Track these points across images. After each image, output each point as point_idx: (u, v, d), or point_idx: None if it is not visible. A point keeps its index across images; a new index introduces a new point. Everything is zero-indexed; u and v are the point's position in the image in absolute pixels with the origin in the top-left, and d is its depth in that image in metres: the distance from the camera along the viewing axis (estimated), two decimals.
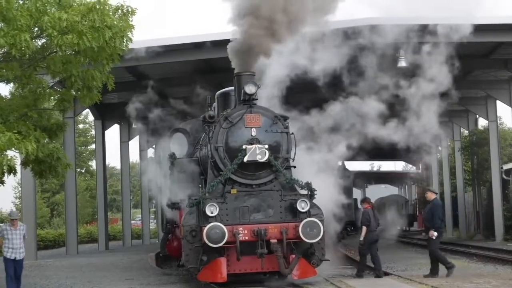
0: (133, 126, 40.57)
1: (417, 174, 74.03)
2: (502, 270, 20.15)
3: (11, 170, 15.32)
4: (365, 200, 19.81)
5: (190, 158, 19.61)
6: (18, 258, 16.02)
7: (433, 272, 18.27)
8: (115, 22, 14.42)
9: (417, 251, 31.80)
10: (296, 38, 18.38)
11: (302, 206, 16.89)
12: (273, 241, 16.41)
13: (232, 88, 18.37)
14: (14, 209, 17.28)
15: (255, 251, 16.33)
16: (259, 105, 17.62)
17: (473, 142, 43.26)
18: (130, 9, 15.25)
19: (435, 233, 18.35)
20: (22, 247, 16.09)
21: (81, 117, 65.73)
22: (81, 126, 67.49)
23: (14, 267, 16.06)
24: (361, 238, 18.95)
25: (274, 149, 17.13)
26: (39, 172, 17.08)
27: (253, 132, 17.05)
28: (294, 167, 17.81)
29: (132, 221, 50.43)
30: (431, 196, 19.03)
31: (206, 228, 16.06)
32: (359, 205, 19.16)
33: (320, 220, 16.66)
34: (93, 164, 65.42)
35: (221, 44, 26.17)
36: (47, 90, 16.39)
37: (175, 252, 20.66)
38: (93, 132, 56.42)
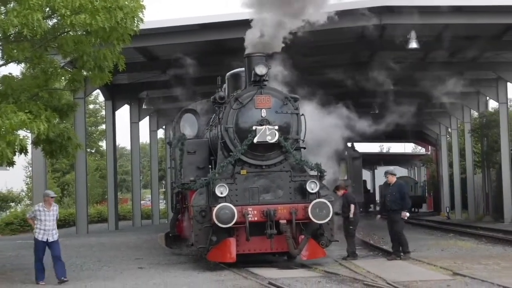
0: (143, 106, 40.65)
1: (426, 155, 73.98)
2: (511, 252, 20.17)
3: (23, 150, 15.38)
4: (339, 187, 19.56)
5: (200, 139, 19.66)
6: (50, 240, 15.56)
7: (396, 254, 18.22)
8: (127, 3, 14.43)
9: (426, 232, 31.84)
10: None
11: (312, 187, 16.95)
12: (282, 221, 16.49)
13: (243, 69, 18.39)
14: (49, 191, 16.64)
15: (264, 232, 16.43)
16: (270, 86, 17.65)
17: (483, 124, 43.16)
18: None
19: (408, 214, 18.25)
20: (55, 228, 15.67)
21: (92, 98, 65.88)
22: (91, 106, 67.60)
23: (52, 249, 15.56)
24: (351, 215, 18.83)
25: (284, 130, 17.17)
26: (50, 152, 17.12)
27: (263, 113, 17.08)
28: (304, 148, 17.87)
29: (142, 201, 50.63)
30: (392, 179, 18.41)
31: (215, 209, 16.15)
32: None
33: (329, 201, 16.72)
34: (103, 144, 65.62)
35: (230, 25, 26.28)
36: (58, 70, 16.41)
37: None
38: (103, 112, 56.60)
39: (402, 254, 18.15)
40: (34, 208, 15.98)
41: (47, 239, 15.53)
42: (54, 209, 15.66)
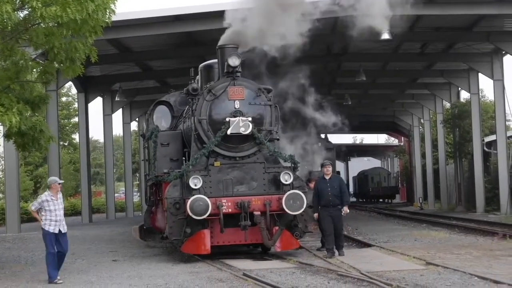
0: (116, 99, 40.48)
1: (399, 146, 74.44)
2: (483, 241, 20.37)
3: None
4: (311, 179, 19.36)
5: (174, 131, 19.61)
6: (63, 231, 14.47)
7: (335, 249, 17.28)
8: None
9: (399, 223, 32.06)
10: None
11: (286, 178, 16.96)
12: (257, 213, 16.49)
13: (216, 60, 18.35)
14: (55, 177, 15.34)
15: (238, 223, 16.43)
16: (243, 77, 17.63)
17: (455, 115, 43.47)
18: None
19: (348, 210, 17.40)
20: (64, 218, 14.67)
21: (64, 90, 65.30)
22: (64, 99, 67.05)
23: (60, 242, 14.47)
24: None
25: (257, 122, 17.17)
26: (22, 145, 16.96)
27: (237, 104, 17.07)
28: (278, 139, 17.89)
29: (116, 194, 50.44)
30: (330, 171, 17.33)
31: (189, 201, 16.12)
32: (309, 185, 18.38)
33: (303, 192, 16.75)
34: (76, 137, 65.16)
35: (204, 17, 26.19)
36: (30, 62, 16.26)
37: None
38: (76, 105, 56.15)
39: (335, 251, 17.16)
40: (40, 199, 14.71)
41: (59, 230, 14.47)
42: (60, 197, 14.70)
